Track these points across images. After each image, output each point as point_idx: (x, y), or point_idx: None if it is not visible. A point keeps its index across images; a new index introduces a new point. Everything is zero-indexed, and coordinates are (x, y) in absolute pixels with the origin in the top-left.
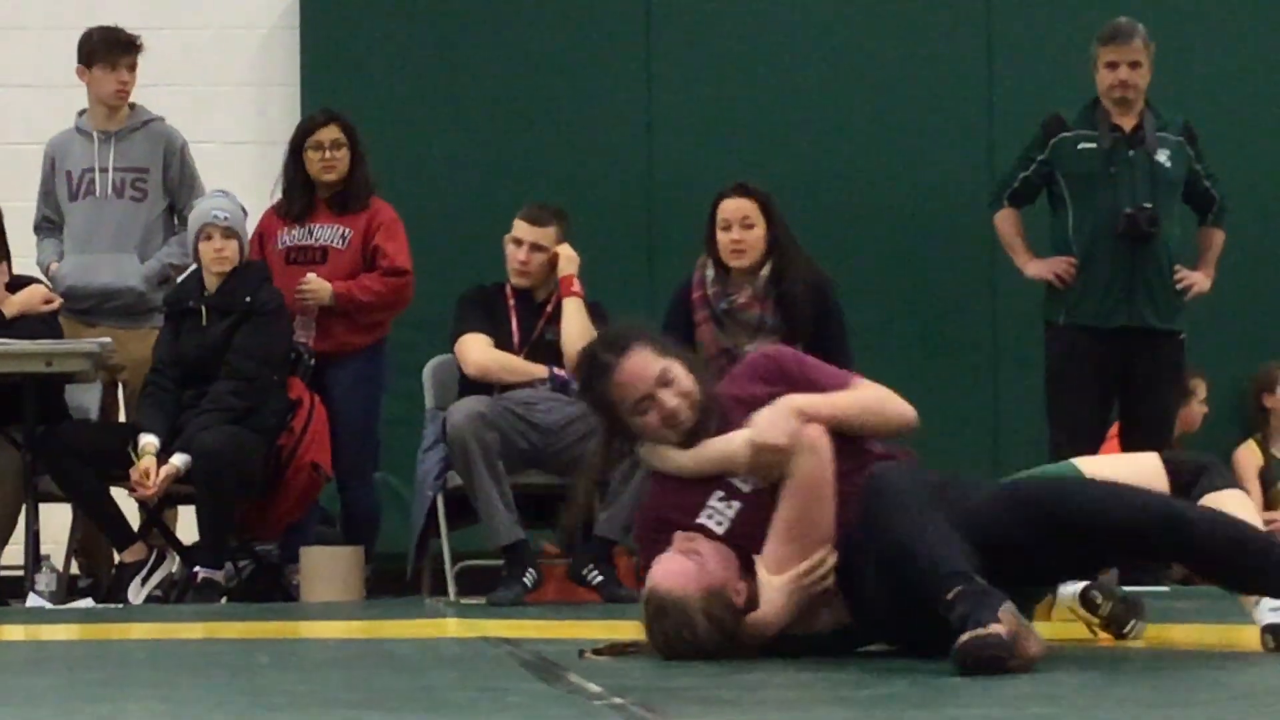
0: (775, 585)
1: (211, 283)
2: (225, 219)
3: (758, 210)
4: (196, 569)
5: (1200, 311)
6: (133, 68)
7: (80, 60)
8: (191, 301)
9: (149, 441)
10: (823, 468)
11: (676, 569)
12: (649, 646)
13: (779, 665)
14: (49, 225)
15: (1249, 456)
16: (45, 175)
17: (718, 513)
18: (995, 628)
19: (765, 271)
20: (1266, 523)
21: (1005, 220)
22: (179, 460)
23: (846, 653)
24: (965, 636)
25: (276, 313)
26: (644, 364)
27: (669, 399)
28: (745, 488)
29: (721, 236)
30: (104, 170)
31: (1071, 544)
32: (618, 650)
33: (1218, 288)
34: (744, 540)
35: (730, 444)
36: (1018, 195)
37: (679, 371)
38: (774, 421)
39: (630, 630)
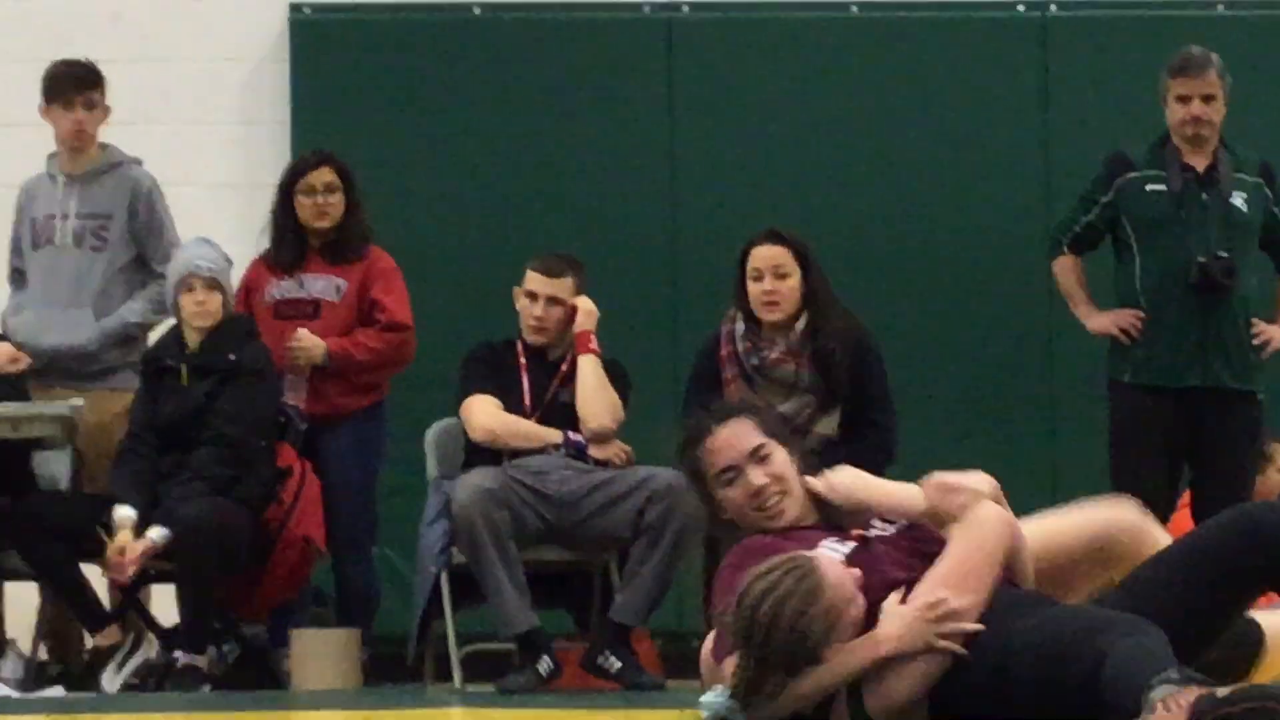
0: (900, 610)
1: (192, 339)
2: (209, 269)
3: (792, 259)
4: (177, 654)
5: (1273, 374)
6: (92, 105)
7: (42, 96)
8: (170, 360)
9: (125, 515)
10: (1003, 525)
11: (826, 555)
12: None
13: None
14: (19, 277)
15: None
16: (15, 222)
17: (832, 551)
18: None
19: (800, 325)
20: None
21: (1065, 268)
22: (157, 534)
23: None
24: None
25: (264, 372)
26: (741, 434)
27: (757, 476)
28: (869, 533)
29: (753, 287)
30: (65, 217)
31: None
32: None
33: None
34: (863, 567)
35: (908, 488)
36: (1079, 241)
37: (779, 454)
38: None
39: None
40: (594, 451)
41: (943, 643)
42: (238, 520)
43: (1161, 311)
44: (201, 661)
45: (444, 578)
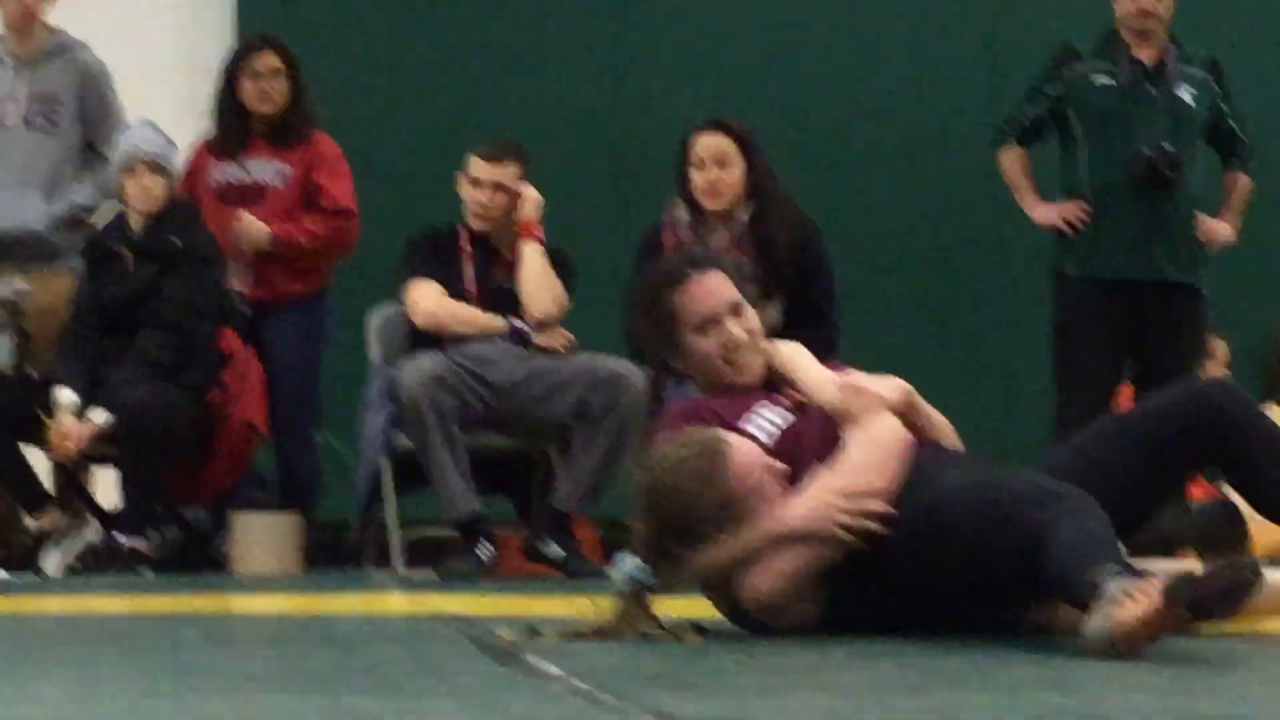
0: (812, 489)
1: (137, 224)
2: (152, 153)
3: (735, 148)
4: (118, 537)
5: (1223, 265)
6: None
7: None
8: (115, 244)
9: (66, 398)
10: (899, 435)
11: (742, 442)
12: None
13: (751, 647)
14: None
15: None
16: None
17: (769, 415)
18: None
19: (743, 214)
20: None
21: (1011, 160)
22: (100, 417)
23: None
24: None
25: (209, 257)
26: (723, 285)
27: (735, 328)
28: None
29: (695, 176)
30: (15, 99)
31: None
32: (588, 635)
33: (1242, 239)
34: (786, 455)
35: (830, 382)
36: (1026, 133)
37: (751, 311)
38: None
39: (593, 610)
40: (537, 339)
41: (842, 531)
42: (180, 405)
43: (1107, 204)
44: (142, 545)
45: (386, 463)
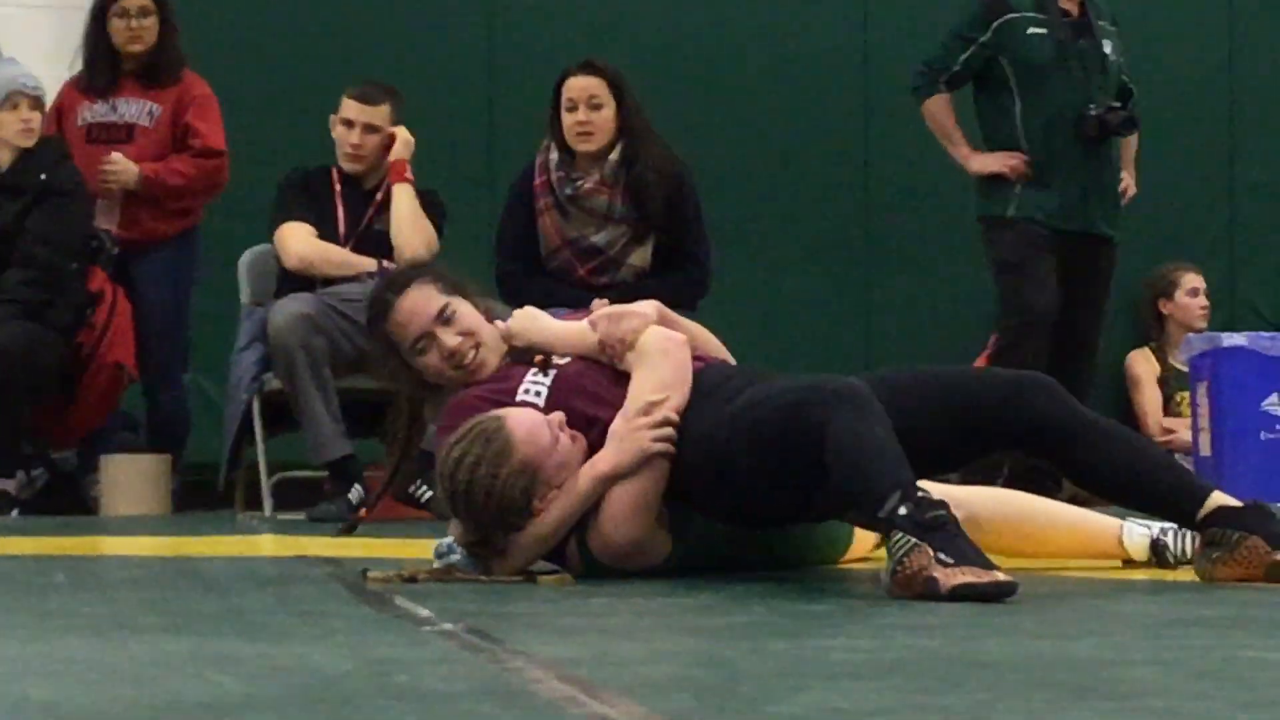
0: (612, 429)
1: (5, 157)
2: (34, 87)
3: (606, 89)
4: None
5: None
6: None
7: None
8: None
9: None
10: (677, 341)
11: (517, 411)
12: (450, 572)
13: (621, 591)
14: None
15: (1145, 364)
16: None
17: (534, 384)
18: (1001, 576)
19: (614, 156)
20: (1167, 432)
21: (940, 106)
22: None
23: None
24: (969, 579)
25: (76, 193)
26: (423, 301)
27: (449, 337)
28: (561, 361)
29: (566, 118)
30: None
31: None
32: (414, 577)
33: None
34: (563, 404)
35: (579, 325)
36: (954, 80)
37: (463, 309)
38: (633, 307)
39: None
40: None
41: (658, 445)
42: (47, 343)
43: (1048, 157)
44: (10, 486)
45: (256, 404)
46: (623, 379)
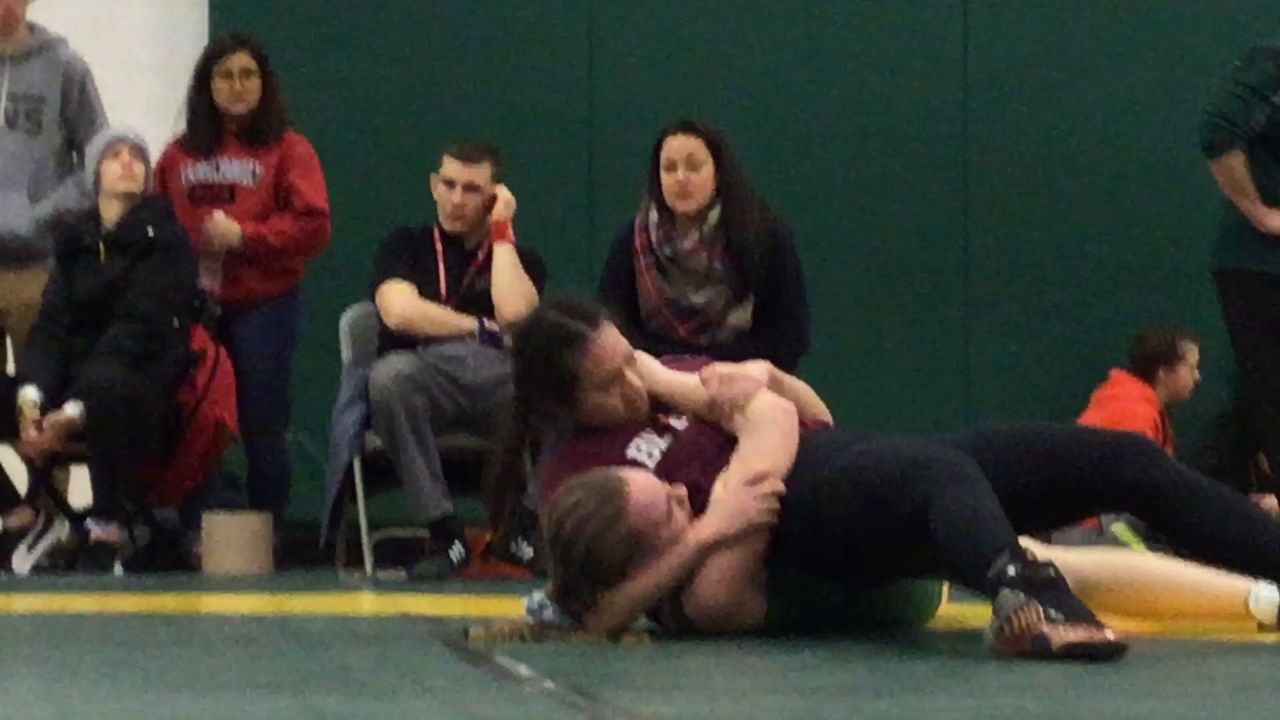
0: (719, 498)
1: (112, 214)
2: (135, 137)
3: (705, 149)
4: (89, 525)
5: (1193, 273)
6: None
7: None
8: (87, 238)
9: (27, 395)
10: (785, 410)
11: (643, 477)
12: (544, 631)
13: (721, 648)
14: None
15: None
16: None
17: (647, 444)
18: (1111, 635)
19: (714, 216)
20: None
21: (1238, 163)
22: (71, 409)
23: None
24: (1080, 637)
25: (181, 250)
26: (618, 339)
27: (634, 378)
28: (678, 424)
29: (666, 178)
30: None
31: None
32: (513, 634)
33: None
34: (676, 472)
35: (692, 379)
36: (1253, 140)
37: (638, 354)
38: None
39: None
40: (509, 340)
41: (765, 517)
42: (149, 393)
43: None
44: (113, 534)
45: (357, 464)
46: (730, 445)
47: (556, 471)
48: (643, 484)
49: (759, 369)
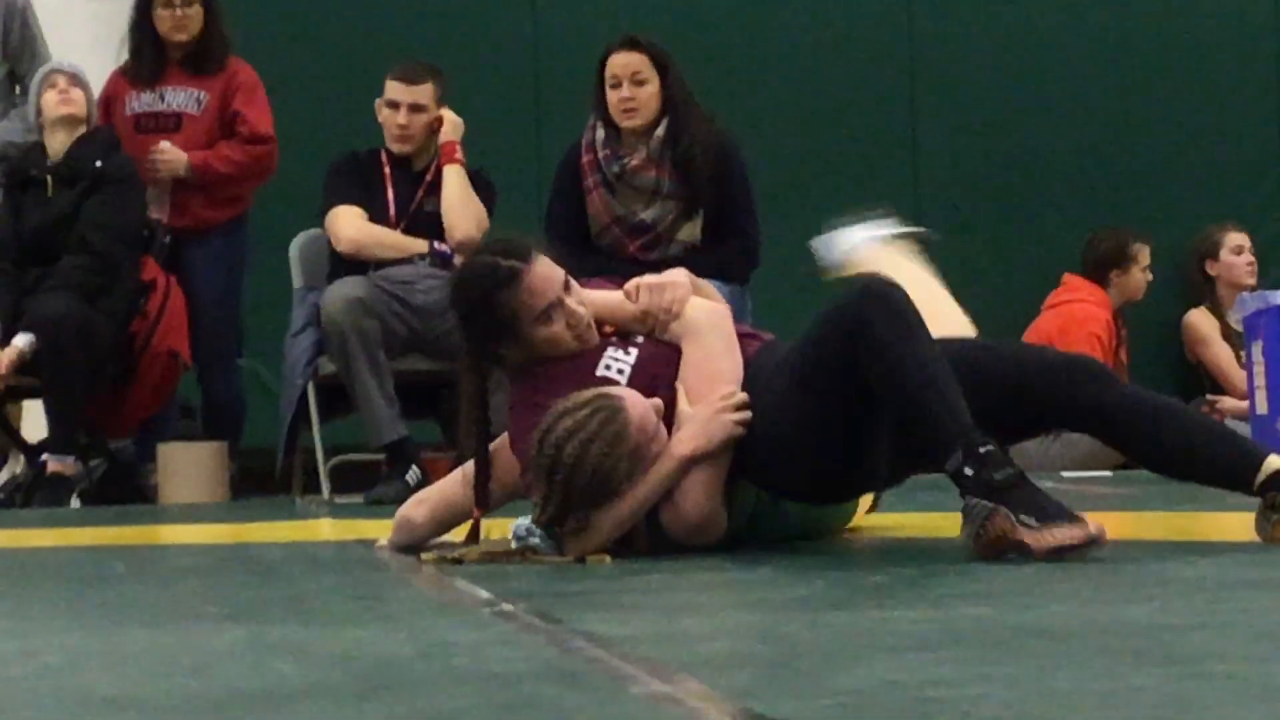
0: (693, 412)
1: (58, 145)
2: (70, 67)
3: (650, 65)
4: (44, 458)
5: (1142, 177)
6: None
7: None
8: (34, 171)
9: None
10: (720, 313)
11: (634, 395)
12: (513, 555)
13: (681, 567)
14: None
15: (1207, 321)
16: None
17: (616, 361)
18: (1091, 528)
19: (660, 131)
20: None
21: None
22: (21, 341)
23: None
24: (1061, 540)
25: (130, 182)
26: (552, 269)
27: (574, 305)
28: (638, 336)
29: (611, 95)
30: None
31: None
32: (484, 558)
33: (1161, 154)
34: (646, 384)
35: (617, 294)
36: None
37: (573, 281)
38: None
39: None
40: (459, 261)
41: (740, 428)
42: (102, 326)
43: None
44: (69, 467)
45: (311, 388)
46: (676, 358)
47: (529, 396)
48: (634, 399)
49: (681, 275)
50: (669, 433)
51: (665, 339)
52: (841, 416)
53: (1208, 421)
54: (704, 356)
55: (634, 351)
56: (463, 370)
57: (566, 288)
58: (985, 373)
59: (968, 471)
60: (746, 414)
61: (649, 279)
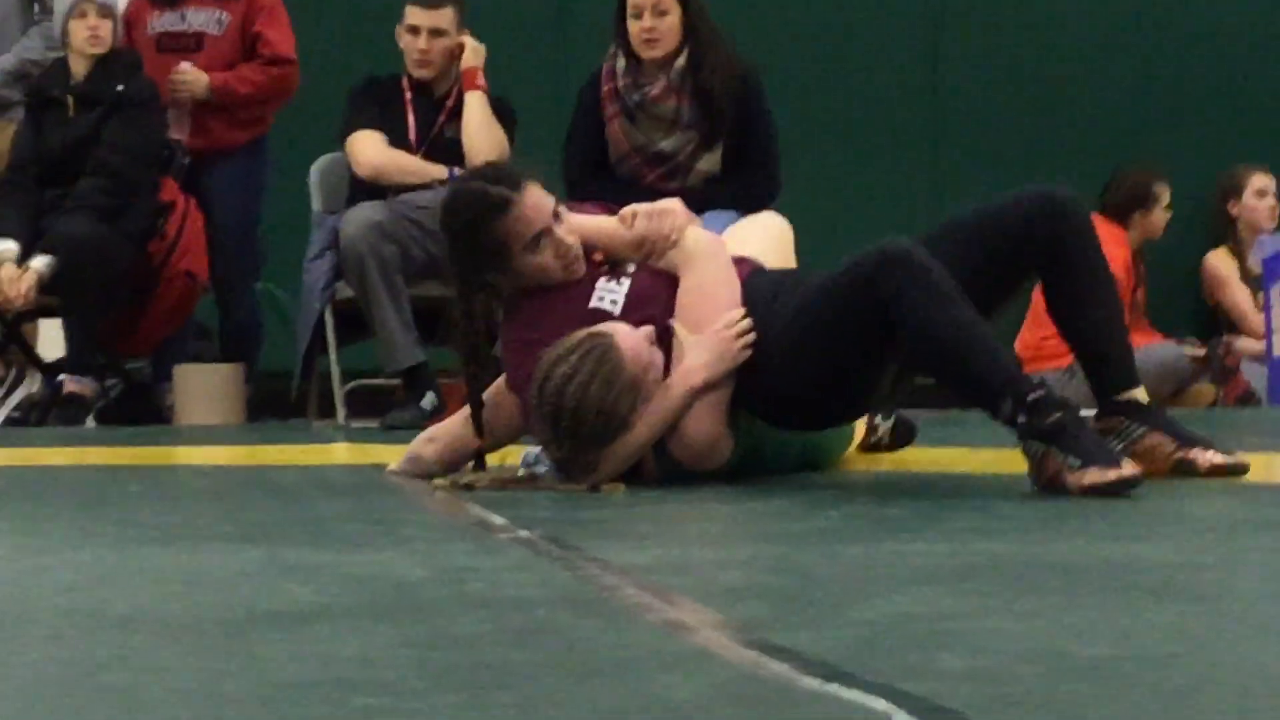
0: (698, 340)
1: (81, 69)
2: None
3: None
4: (61, 378)
5: (1160, 116)
6: None
7: None
8: (57, 91)
9: (6, 248)
10: (717, 240)
11: (622, 328)
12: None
13: (694, 497)
14: None
15: (1226, 262)
16: None
17: (609, 292)
18: (1126, 471)
19: (681, 61)
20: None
21: None
22: (40, 263)
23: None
24: (1094, 479)
25: (150, 104)
26: (542, 197)
27: (564, 234)
28: (630, 267)
29: (632, 25)
30: None
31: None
32: (493, 484)
33: (1180, 92)
34: (640, 314)
35: (612, 221)
36: None
37: (563, 209)
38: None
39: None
40: None
41: (746, 352)
42: (121, 250)
43: None
44: (86, 387)
45: (328, 312)
46: (674, 284)
47: (523, 334)
48: (625, 333)
49: (677, 204)
50: (667, 360)
51: (660, 267)
52: (851, 365)
53: (1123, 327)
54: (703, 283)
55: (626, 282)
56: (454, 298)
57: (556, 217)
58: (963, 228)
59: (1020, 420)
60: (752, 336)
61: (646, 206)
